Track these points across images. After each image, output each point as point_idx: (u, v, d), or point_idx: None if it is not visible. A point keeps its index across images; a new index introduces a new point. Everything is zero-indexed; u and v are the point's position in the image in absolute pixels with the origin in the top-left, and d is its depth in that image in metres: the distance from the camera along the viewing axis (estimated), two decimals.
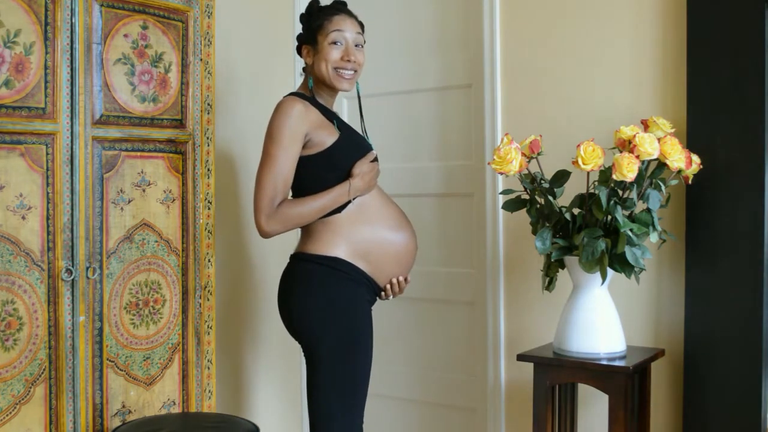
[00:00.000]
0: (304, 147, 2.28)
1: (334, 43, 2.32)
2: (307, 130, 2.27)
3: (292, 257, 2.39)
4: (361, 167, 2.30)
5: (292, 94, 2.37)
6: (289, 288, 2.35)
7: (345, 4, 2.42)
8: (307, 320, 2.29)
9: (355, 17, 2.40)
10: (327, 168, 2.30)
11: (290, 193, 2.34)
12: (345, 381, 2.27)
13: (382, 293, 2.38)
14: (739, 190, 2.34)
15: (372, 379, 2.37)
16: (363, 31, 2.41)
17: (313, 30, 2.36)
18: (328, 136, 2.29)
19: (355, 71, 2.36)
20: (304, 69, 2.46)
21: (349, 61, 2.33)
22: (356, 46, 2.35)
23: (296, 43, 2.45)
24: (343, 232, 2.30)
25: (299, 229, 2.39)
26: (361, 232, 2.30)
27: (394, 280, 2.36)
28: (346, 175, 2.30)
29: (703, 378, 2.41)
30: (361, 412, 2.32)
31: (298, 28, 3.25)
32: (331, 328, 2.26)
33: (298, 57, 3.27)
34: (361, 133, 2.49)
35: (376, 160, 2.39)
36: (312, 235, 2.33)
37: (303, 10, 2.45)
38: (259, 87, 3.17)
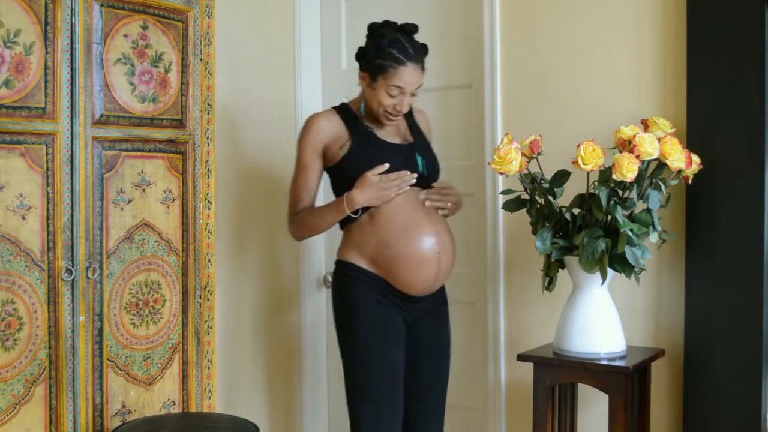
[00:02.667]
0: (326, 159, 2.42)
1: (391, 95, 2.34)
2: (324, 143, 2.40)
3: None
4: (362, 180, 2.34)
5: (341, 104, 2.48)
6: (331, 293, 2.51)
7: (414, 44, 2.35)
8: (335, 324, 2.45)
9: (420, 61, 2.34)
10: (341, 178, 2.41)
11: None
12: (364, 383, 2.35)
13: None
14: (739, 190, 2.34)
15: None
16: (424, 64, 2.38)
17: (375, 65, 2.33)
18: (342, 149, 2.38)
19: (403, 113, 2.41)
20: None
21: (399, 111, 2.36)
22: (413, 94, 2.37)
23: (355, 57, 2.41)
24: (354, 239, 2.40)
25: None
26: (370, 240, 2.37)
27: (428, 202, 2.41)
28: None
29: (703, 378, 2.41)
30: (390, 413, 2.33)
31: (298, 28, 3.27)
32: (347, 332, 2.38)
33: (298, 57, 3.28)
34: (410, 145, 2.47)
35: (414, 172, 2.39)
36: (341, 241, 2.47)
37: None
38: (259, 87, 3.17)
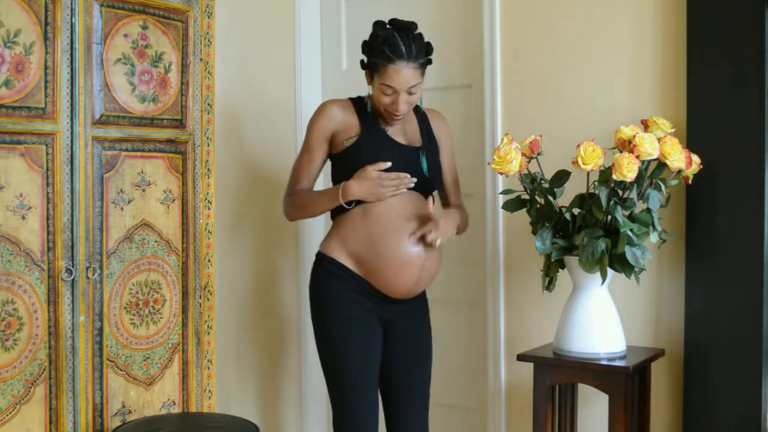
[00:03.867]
0: (331, 146, 2.42)
1: (385, 93, 2.32)
2: (333, 130, 2.40)
3: None
4: (362, 173, 2.32)
5: (357, 96, 2.48)
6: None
7: (409, 42, 2.30)
8: (311, 316, 2.44)
9: (414, 60, 2.30)
10: (342, 168, 2.39)
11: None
12: (332, 377, 2.38)
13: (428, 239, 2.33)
14: (739, 190, 2.34)
15: None
16: (426, 62, 2.34)
17: (371, 64, 2.34)
18: (349, 139, 2.38)
19: (407, 111, 2.38)
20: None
21: (396, 110, 2.33)
22: (410, 93, 2.33)
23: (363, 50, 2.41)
24: (341, 232, 2.38)
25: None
26: (357, 235, 2.35)
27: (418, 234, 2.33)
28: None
29: (703, 378, 2.41)
30: (355, 413, 2.34)
31: (299, 28, 3.28)
32: (319, 326, 2.40)
33: (298, 57, 3.28)
34: (416, 148, 2.46)
35: (415, 175, 2.37)
36: (328, 233, 2.45)
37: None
38: (259, 86, 3.17)
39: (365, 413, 2.37)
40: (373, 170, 2.32)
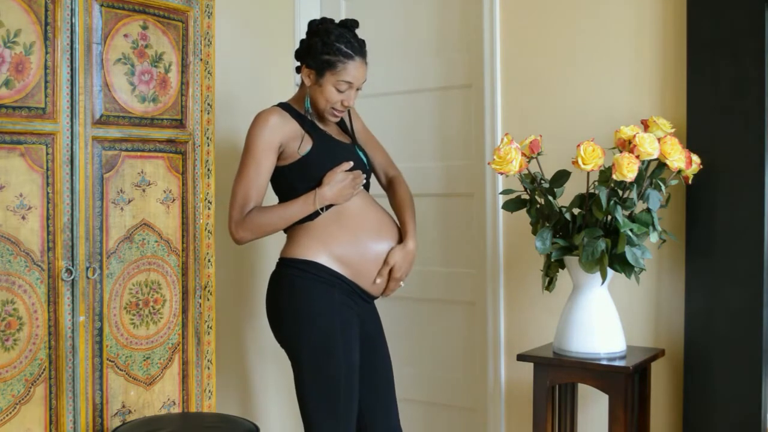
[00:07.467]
0: (279, 157, 2.36)
1: (339, 90, 2.34)
2: (281, 141, 2.34)
3: (277, 262, 2.43)
4: (332, 177, 2.33)
5: (280, 104, 2.43)
6: (270, 293, 2.42)
7: (358, 39, 2.37)
8: (285, 326, 2.36)
9: (366, 56, 2.37)
10: (300, 178, 2.36)
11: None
12: (324, 386, 2.30)
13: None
14: (739, 190, 2.34)
15: None
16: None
17: (322, 61, 2.32)
18: (302, 147, 2.35)
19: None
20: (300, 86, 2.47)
21: (346, 107, 2.37)
22: (357, 89, 2.38)
23: (296, 55, 2.42)
24: (320, 236, 2.35)
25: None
26: (339, 237, 2.34)
27: (379, 280, 2.37)
28: (318, 184, 2.34)
29: (703, 378, 2.41)
30: (348, 418, 2.31)
31: (298, 28, 3.28)
32: (306, 334, 2.31)
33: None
34: (351, 144, 2.50)
35: (363, 170, 2.41)
36: (291, 239, 2.40)
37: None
38: (259, 86, 3.17)
39: (354, 420, 2.35)
40: (341, 172, 2.34)
